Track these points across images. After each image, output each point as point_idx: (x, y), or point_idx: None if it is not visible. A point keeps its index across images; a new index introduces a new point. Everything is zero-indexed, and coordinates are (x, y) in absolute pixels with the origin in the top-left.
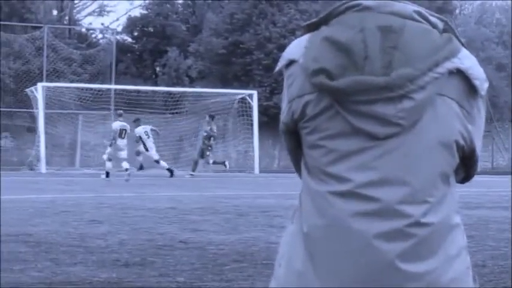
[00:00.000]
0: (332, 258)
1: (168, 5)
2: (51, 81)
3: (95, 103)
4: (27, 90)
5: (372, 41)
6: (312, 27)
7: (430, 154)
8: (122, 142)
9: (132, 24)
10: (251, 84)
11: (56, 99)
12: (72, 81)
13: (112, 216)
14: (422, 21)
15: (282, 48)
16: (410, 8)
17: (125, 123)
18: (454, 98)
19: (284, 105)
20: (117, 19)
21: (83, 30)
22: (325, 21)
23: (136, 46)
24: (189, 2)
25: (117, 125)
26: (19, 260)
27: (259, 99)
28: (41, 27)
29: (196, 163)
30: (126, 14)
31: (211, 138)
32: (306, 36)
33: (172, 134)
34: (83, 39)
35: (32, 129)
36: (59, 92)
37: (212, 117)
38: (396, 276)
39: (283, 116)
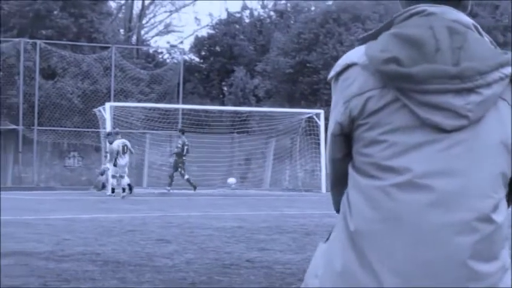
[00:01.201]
0: (390, 253)
1: (235, 25)
2: (119, 100)
3: (162, 123)
4: (95, 109)
5: (442, 37)
6: (369, 39)
7: (493, 152)
8: (123, 160)
9: (199, 44)
10: (318, 103)
11: (123, 119)
12: (139, 101)
13: (179, 236)
14: (479, 34)
15: None
16: (470, 20)
17: (124, 140)
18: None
19: (337, 109)
20: (184, 39)
21: (151, 50)
22: (385, 30)
23: (203, 66)
24: (256, 22)
25: (119, 142)
26: (87, 278)
27: (326, 118)
28: (108, 47)
29: (171, 178)
30: (193, 34)
31: (182, 155)
32: (363, 46)
33: (239, 154)
34: (151, 59)
35: (100, 149)
36: (126, 112)
37: (182, 131)
38: (464, 274)
39: (338, 117)
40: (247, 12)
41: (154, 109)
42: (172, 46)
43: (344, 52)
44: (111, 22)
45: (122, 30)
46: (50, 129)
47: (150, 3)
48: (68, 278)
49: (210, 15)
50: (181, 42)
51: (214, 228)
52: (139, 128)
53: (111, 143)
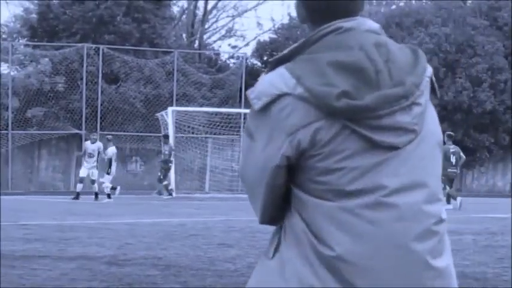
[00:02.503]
0: (374, 275)
1: (297, 30)
2: (181, 105)
3: (224, 127)
4: (157, 114)
5: (375, 56)
6: (279, 63)
7: (435, 155)
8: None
9: (261, 49)
10: None
11: (185, 124)
12: (201, 105)
13: (241, 240)
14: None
15: None
16: (374, 24)
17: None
18: (431, 101)
19: (277, 141)
20: (247, 44)
21: (213, 54)
22: (296, 53)
23: (265, 70)
24: None
25: (113, 149)
26: (149, 283)
27: None
28: (171, 52)
29: (165, 186)
30: (255, 38)
31: (168, 162)
32: (282, 70)
33: None
34: (213, 64)
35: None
36: (188, 116)
37: (166, 136)
38: (429, 273)
39: (283, 150)
40: None
41: (216, 113)
42: (234, 47)
43: None
44: (173, 27)
45: (184, 35)
46: (113, 134)
47: (213, 8)
48: (130, 282)
49: (272, 19)
50: (247, 45)
51: None
52: (201, 132)
53: (166, 144)
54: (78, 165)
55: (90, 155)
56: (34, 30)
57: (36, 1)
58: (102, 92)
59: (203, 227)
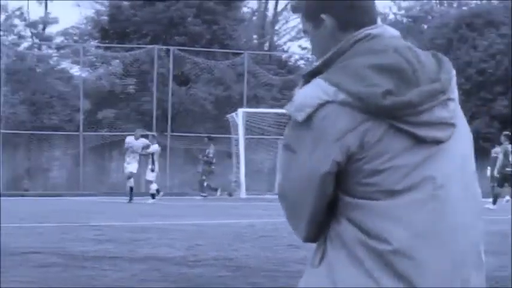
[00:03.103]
0: (431, 267)
1: None
2: (251, 106)
3: None
4: (228, 115)
5: (410, 57)
6: (313, 75)
7: (471, 151)
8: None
9: None
10: None
11: (255, 125)
12: (271, 107)
13: None
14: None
15: (481, 72)
16: (396, 31)
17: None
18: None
19: (324, 149)
20: None
21: (283, 56)
22: (329, 64)
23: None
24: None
25: (156, 147)
26: (219, 284)
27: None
28: (241, 53)
29: (201, 185)
30: None
31: (210, 164)
32: (318, 81)
33: None
34: (283, 65)
35: (232, 155)
36: (258, 118)
37: (210, 138)
38: (481, 264)
39: (333, 156)
40: (380, 17)
41: (286, 115)
42: (304, 49)
43: (477, 58)
44: (244, 28)
45: (254, 36)
46: (183, 135)
47: (283, 9)
48: (200, 283)
49: None
50: None
51: None
52: (270, 133)
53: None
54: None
55: (134, 151)
56: (105, 32)
57: (107, 3)
58: (172, 93)
59: (272, 228)
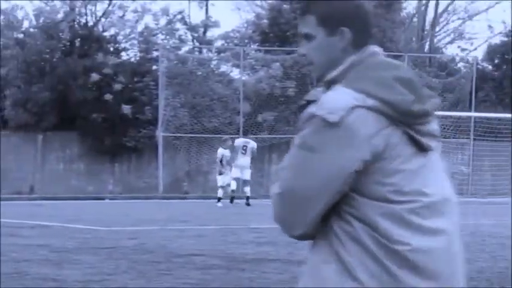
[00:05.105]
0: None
1: None
2: None
3: (454, 131)
4: None
5: (413, 74)
6: (332, 82)
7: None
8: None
9: (492, 52)
10: None
11: None
12: None
13: (470, 244)
14: None
15: None
16: None
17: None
18: None
19: (353, 149)
20: (475, 48)
21: (445, 59)
22: (345, 74)
23: (496, 74)
24: None
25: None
26: None
27: None
28: (401, 55)
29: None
30: (486, 41)
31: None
32: (345, 89)
33: None
34: (443, 68)
35: None
36: None
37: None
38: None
39: (361, 155)
40: None
41: (446, 117)
42: (463, 50)
43: None
44: (403, 31)
45: (414, 39)
46: None
47: (443, 11)
48: None
49: (503, 22)
50: (475, 49)
51: (506, 237)
52: None
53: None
54: None
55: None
56: (265, 35)
57: (267, 6)
58: None
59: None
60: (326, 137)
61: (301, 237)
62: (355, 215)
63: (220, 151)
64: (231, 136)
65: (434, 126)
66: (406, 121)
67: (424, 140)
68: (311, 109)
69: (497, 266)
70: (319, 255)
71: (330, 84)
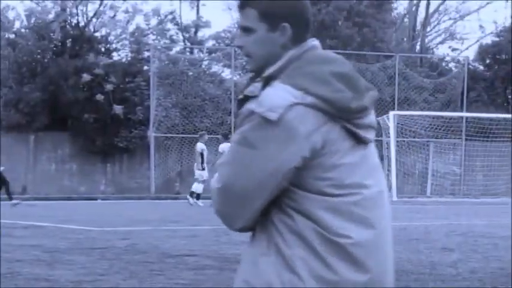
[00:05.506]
0: (379, 256)
1: None
2: (403, 109)
3: (446, 131)
4: (379, 118)
5: (351, 68)
6: (271, 78)
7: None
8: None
9: (483, 52)
10: None
11: (407, 127)
12: (423, 110)
13: (463, 244)
14: None
15: None
16: None
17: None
18: None
19: (293, 146)
20: (467, 48)
21: (435, 59)
22: (283, 69)
23: (487, 74)
24: None
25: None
26: None
27: None
28: (392, 56)
29: None
30: (477, 42)
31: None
32: (283, 85)
33: None
34: (434, 68)
35: (383, 157)
36: (410, 120)
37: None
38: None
39: (302, 152)
40: None
41: (438, 117)
42: (454, 50)
43: None
44: (394, 31)
45: (405, 39)
46: None
47: (434, 12)
48: None
49: (495, 22)
50: (467, 49)
51: (499, 237)
52: (422, 136)
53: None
54: None
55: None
56: None
57: None
58: None
59: (424, 231)
60: (266, 134)
61: (242, 230)
62: (296, 209)
63: (200, 145)
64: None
65: (372, 118)
66: (344, 117)
67: (363, 133)
68: (250, 106)
69: (489, 267)
70: (258, 247)
71: (268, 80)
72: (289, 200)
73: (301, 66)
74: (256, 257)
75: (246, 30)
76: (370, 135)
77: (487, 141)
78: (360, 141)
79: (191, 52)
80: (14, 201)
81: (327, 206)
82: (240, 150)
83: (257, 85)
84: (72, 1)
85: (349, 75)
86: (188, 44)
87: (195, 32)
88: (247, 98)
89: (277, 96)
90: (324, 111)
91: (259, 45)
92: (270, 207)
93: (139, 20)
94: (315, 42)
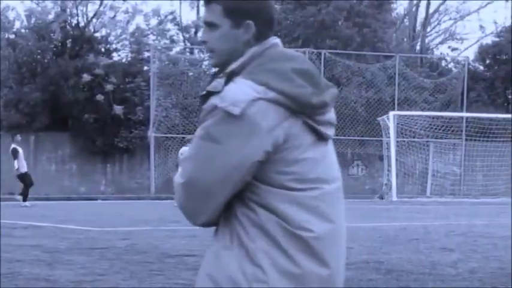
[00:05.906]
0: (336, 250)
1: None
2: (403, 109)
3: (446, 131)
4: (379, 118)
5: (312, 65)
6: (233, 74)
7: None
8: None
9: (483, 52)
10: None
11: (407, 128)
12: (423, 110)
13: (462, 244)
14: None
15: None
16: None
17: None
18: None
19: (256, 140)
20: (466, 48)
21: (435, 59)
22: (246, 65)
23: (487, 74)
24: None
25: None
26: (370, 286)
27: None
28: (392, 56)
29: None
30: (477, 42)
31: None
32: (245, 81)
33: None
34: (434, 68)
35: (383, 158)
36: (410, 120)
37: None
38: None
39: (264, 147)
40: None
41: (438, 117)
42: (454, 50)
43: None
44: (394, 31)
45: (405, 39)
46: (334, 138)
47: (434, 12)
48: (351, 286)
49: (495, 22)
50: (467, 49)
51: (499, 237)
52: (422, 136)
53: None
54: None
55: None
56: None
57: None
58: None
59: (424, 231)
60: (229, 129)
61: (205, 225)
62: (259, 203)
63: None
64: None
65: (332, 115)
66: (305, 112)
67: (323, 130)
68: (214, 101)
69: (489, 266)
70: (221, 241)
71: (230, 76)
72: (252, 194)
73: (263, 63)
74: (219, 250)
75: (210, 25)
76: (330, 131)
77: (487, 141)
78: (321, 137)
79: (191, 52)
80: (24, 203)
81: (290, 199)
82: (203, 145)
83: (220, 81)
84: (72, 1)
85: (310, 72)
86: (188, 44)
87: (195, 32)
88: (210, 94)
89: (240, 91)
90: (286, 106)
91: (223, 41)
92: (233, 202)
93: (139, 20)
94: (276, 40)
